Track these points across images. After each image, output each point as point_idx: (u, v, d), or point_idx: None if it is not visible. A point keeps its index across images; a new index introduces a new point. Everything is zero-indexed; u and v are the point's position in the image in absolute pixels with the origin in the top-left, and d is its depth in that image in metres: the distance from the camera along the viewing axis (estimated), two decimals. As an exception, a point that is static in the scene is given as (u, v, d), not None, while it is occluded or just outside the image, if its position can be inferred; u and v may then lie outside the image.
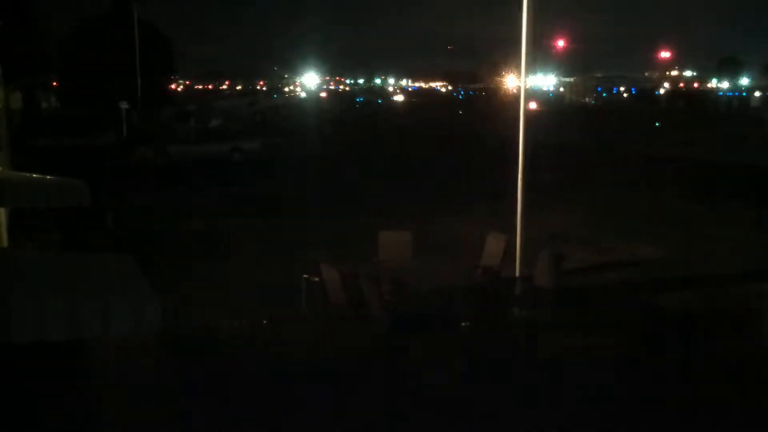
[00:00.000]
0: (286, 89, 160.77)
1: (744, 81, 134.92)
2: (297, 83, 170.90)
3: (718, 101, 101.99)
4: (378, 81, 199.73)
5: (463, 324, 10.39)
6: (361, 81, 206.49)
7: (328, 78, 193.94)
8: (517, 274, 11.53)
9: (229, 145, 32.61)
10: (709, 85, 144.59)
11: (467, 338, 10.25)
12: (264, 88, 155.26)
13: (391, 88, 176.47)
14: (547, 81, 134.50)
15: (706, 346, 10.23)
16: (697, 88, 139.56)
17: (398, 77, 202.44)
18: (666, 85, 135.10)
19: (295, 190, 23.41)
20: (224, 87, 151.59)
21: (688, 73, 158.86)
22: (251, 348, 10.09)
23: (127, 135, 40.22)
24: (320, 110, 74.62)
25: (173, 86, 79.55)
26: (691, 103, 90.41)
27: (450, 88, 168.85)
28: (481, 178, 25.00)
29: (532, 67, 11.99)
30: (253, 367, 9.35)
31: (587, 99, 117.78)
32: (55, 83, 59.32)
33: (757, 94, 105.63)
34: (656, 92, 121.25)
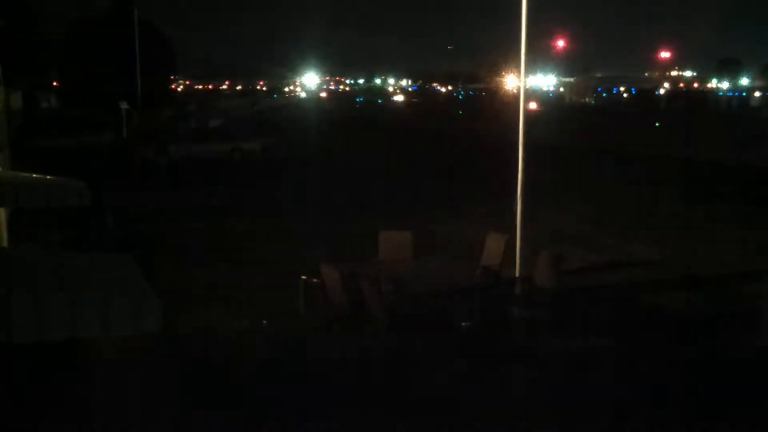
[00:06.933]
0: (286, 89, 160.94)
1: (744, 81, 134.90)
2: (297, 83, 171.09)
3: (718, 101, 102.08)
4: (378, 81, 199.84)
5: (463, 324, 10.39)
6: (361, 81, 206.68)
7: (328, 78, 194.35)
8: (517, 274, 11.52)
9: (229, 145, 32.60)
10: (709, 86, 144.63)
11: (467, 338, 10.25)
12: (264, 88, 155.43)
13: (391, 88, 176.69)
14: (547, 81, 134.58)
15: (707, 346, 10.24)
16: (697, 88, 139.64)
17: (398, 77, 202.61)
18: (666, 85, 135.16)
19: (295, 191, 23.42)
20: (224, 87, 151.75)
21: (688, 74, 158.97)
22: (251, 348, 10.09)
23: (127, 135, 40.19)
24: (320, 110, 74.64)
25: (173, 86, 79.47)
26: (691, 103, 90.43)
27: (450, 88, 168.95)
28: (481, 177, 25.01)
29: (531, 67, 11.97)
30: (253, 367, 9.35)
31: (587, 99, 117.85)
32: (55, 83, 59.31)
33: (757, 94, 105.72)
34: (656, 92, 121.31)
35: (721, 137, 43.82)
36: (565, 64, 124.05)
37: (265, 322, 11.02)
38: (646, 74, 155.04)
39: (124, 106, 41.18)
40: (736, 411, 8.32)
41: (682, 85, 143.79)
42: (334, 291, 10.58)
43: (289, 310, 11.19)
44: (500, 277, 11.36)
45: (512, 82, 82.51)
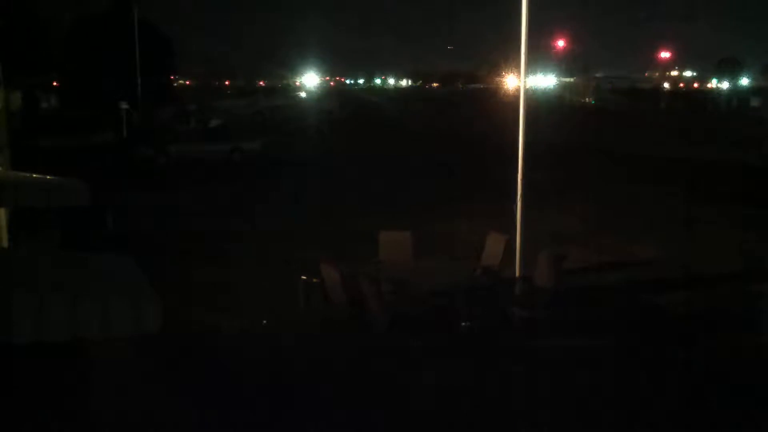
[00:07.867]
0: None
1: (744, 81, 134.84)
2: (297, 83, 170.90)
3: (717, 101, 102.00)
4: (378, 81, 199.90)
5: (463, 324, 10.39)
6: (361, 81, 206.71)
7: (327, 78, 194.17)
8: (517, 274, 11.52)
9: (229, 145, 32.59)
10: (708, 85, 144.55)
11: (467, 338, 10.25)
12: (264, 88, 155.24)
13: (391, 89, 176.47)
14: (547, 81, 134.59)
15: (707, 346, 10.23)
16: (697, 88, 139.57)
17: (398, 77, 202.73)
18: (666, 85, 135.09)
19: (295, 190, 23.41)
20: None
21: (688, 74, 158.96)
22: (250, 348, 10.09)
23: (128, 135, 40.18)
24: (320, 110, 74.62)
25: (173, 86, 79.44)
26: (691, 103, 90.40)
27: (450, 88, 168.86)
28: (480, 177, 25.00)
29: (531, 67, 11.97)
30: (253, 367, 9.35)
31: (587, 99, 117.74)
32: (55, 83, 59.33)
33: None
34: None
35: (721, 137, 43.83)
36: (565, 64, 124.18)
37: (265, 321, 11.03)
38: (646, 74, 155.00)
39: (124, 106, 41.18)
40: (736, 411, 8.32)
41: (682, 85, 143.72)
42: (334, 291, 10.58)
43: (289, 310, 11.19)
44: (500, 277, 11.36)
45: (512, 82, 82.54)
